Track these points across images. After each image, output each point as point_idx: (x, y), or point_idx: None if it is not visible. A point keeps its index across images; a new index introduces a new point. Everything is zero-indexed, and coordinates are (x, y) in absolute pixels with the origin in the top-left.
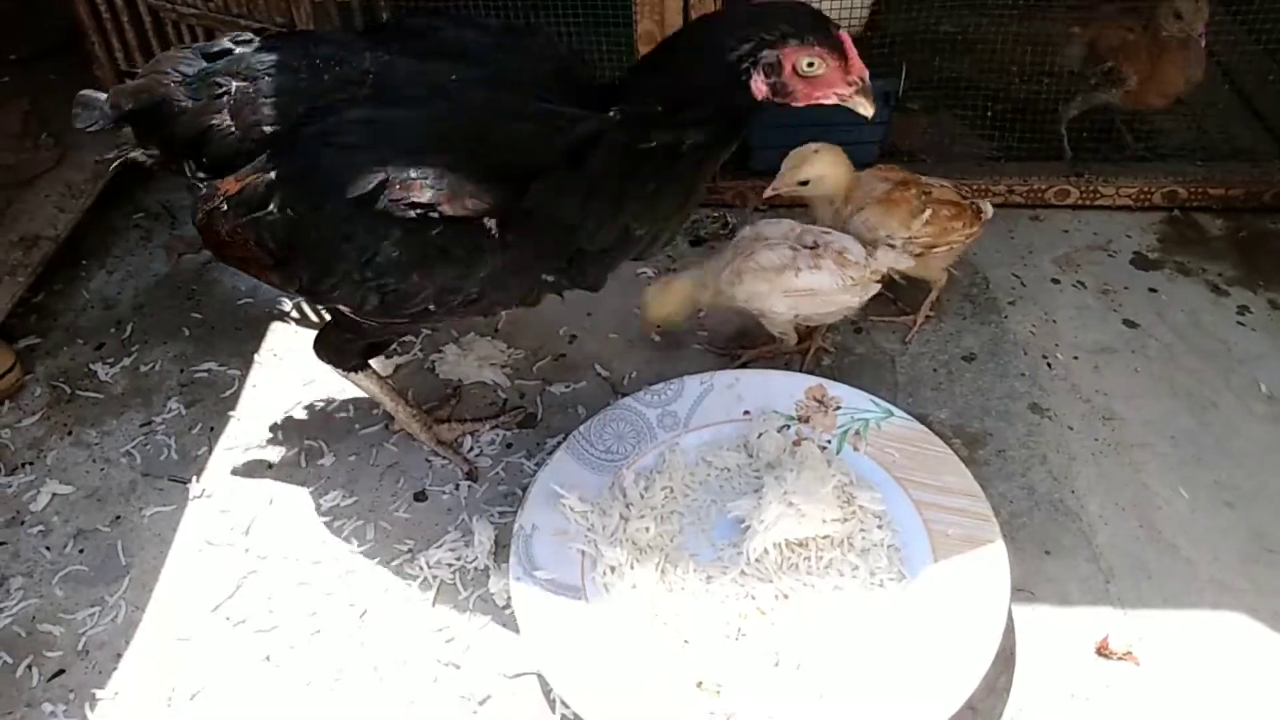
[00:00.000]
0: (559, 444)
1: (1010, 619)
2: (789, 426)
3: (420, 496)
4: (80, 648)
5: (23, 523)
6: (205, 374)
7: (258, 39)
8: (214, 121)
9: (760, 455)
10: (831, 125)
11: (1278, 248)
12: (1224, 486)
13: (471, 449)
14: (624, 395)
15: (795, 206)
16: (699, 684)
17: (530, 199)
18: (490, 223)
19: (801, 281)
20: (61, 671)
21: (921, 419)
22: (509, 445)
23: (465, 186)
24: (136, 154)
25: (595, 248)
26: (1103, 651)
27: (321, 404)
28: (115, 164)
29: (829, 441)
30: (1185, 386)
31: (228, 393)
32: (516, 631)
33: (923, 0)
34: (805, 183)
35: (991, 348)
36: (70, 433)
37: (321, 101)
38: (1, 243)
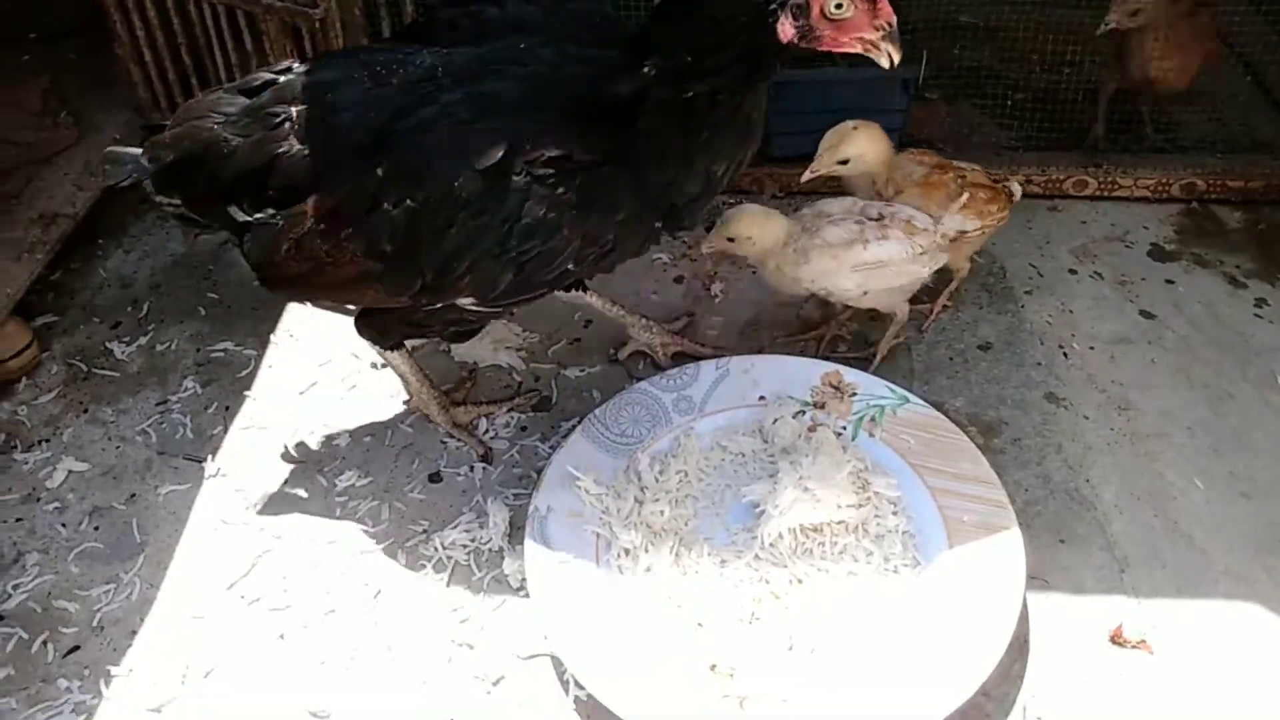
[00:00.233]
0: (574, 427)
1: (1025, 606)
2: (804, 412)
3: (435, 478)
4: (95, 624)
5: (39, 499)
6: (221, 353)
7: (297, 65)
8: (281, 149)
9: (775, 440)
10: (849, 112)
11: None
12: (1240, 478)
13: (486, 431)
14: (639, 379)
15: (815, 195)
16: (713, 667)
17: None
18: (610, 167)
19: (870, 254)
20: (77, 648)
21: (937, 406)
22: (524, 428)
23: (584, 136)
24: (160, 199)
25: (684, 200)
26: (1117, 640)
27: (337, 384)
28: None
29: (844, 427)
30: (1202, 378)
31: (243, 372)
32: (531, 613)
33: None
34: (845, 161)
35: (1008, 337)
36: (86, 410)
37: (402, 101)
38: (20, 220)
